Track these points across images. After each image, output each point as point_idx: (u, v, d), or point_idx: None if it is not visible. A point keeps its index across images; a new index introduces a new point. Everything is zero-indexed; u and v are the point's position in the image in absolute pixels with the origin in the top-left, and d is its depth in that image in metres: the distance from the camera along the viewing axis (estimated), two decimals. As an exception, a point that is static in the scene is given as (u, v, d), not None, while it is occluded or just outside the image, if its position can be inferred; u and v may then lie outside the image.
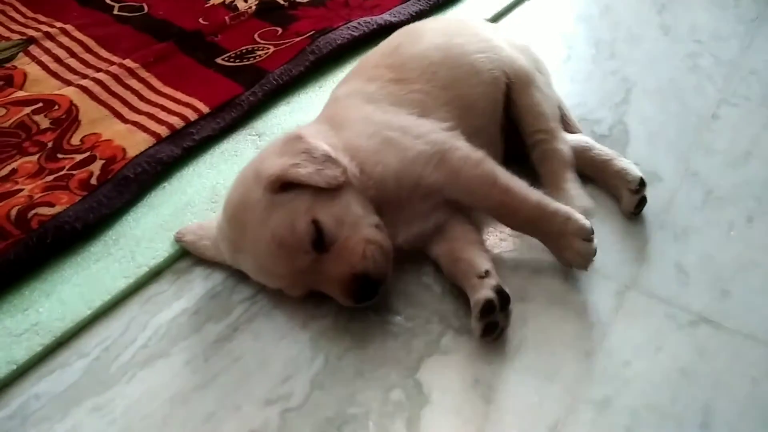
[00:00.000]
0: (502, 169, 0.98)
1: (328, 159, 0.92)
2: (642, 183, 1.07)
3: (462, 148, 0.98)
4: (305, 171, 0.90)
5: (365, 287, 0.90)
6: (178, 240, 1.08)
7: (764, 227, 1.08)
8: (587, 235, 0.94)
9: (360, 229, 0.91)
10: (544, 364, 0.90)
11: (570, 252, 0.95)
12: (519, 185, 0.97)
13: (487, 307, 0.89)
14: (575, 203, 1.02)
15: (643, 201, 1.08)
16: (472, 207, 1.01)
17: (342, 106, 1.06)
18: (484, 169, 0.97)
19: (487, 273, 0.93)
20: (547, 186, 1.08)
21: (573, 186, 1.07)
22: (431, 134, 0.98)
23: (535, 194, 0.96)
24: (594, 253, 0.95)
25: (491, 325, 0.90)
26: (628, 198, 1.08)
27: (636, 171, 1.09)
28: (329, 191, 0.91)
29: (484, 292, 0.90)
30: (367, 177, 0.96)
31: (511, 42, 1.20)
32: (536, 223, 0.96)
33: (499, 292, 0.91)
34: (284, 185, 0.90)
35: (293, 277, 0.92)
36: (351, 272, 0.89)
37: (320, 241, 0.89)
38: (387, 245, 0.93)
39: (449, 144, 0.98)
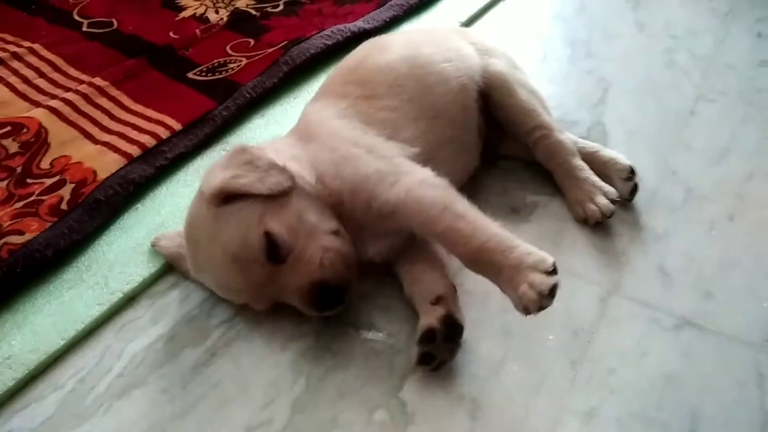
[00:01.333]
0: (463, 200, 0.89)
1: (272, 167, 0.90)
2: (632, 171, 1.09)
3: (422, 172, 0.94)
4: (246, 180, 0.88)
5: (326, 296, 0.88)
6: (153, 245, 1.08)
7: (746, 225, 1.08)
8: (547, 268, 0.80)
9: (316, 237, 0.89)
10: (529, 376, 0.88)
11: (523, 287, 0.79)
12: (477, 215, 0.87)
13: (427, 336, 0.87)
14: (608, 189, 1.07)
15: (635, 187, 1.09)
16: (422, 233, 0.91)
17: (312, 120, 1.05)
18: (440, 192, 0.90)
19: (438, 299, 0.90)
20: (561, 180, 1.12)
21: (588, 174, 1.09)
22: (395, 158, 0.96)
23: (494, 227, 0.85)
24: (552, 289, 0.78)
25: (427, 356, 0.87)
26: (622, 185, 1.09)
27: (624, 160, 1.11)
28: (280, 200, 0.89)
29: (429, 319, 0.88)
30: (326, 188, 0.94)
31: (481, 45, 1.19)
32: (491, 255, 0.83)
33: (448, 322, 0.88)
34: (228, 198, 0.88)
35: (253, 291, 0.90)
36: (309, 282, 0.87)
37: (274, 252, 0.87)
38: (346, 251, 0.91)
39: (410, 167, 0.95)
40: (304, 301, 0.89)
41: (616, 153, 1.13)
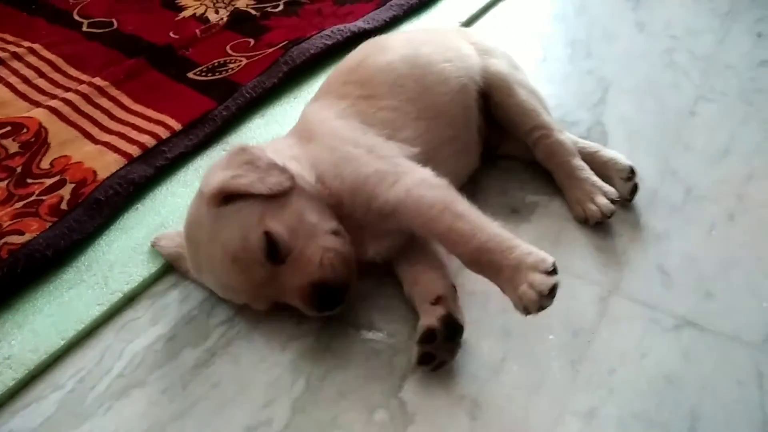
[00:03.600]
0: (463, 200, 0.89)
1: (272, 167, 0.90)
2: (632, 171, 1.09)
3: (422, 172, 0.94)
4: (246, 180, 0.88)
5: (326, 296, 0.88)
6: (153, 245, 1.08)
7: (745, 225, 1.08)
8: (547, 267, 0.79)
9: (315, 237, 0.89)
10: (529, 376, 0.88)
11: (523, 287, 0.79)
12: (477, 215, 0.87)
13: (427, 336, 0.87)
14: (607, 188, 1.07)
15: (635, 187, 1.09)
16: (422, 233, 0.92)
17: (312, 120, 1.05)
18: (440, 192, 0.90)
19: (438, 299, 0.90)
20: (561, 180, 1.12)
21: (588, 174, 1.09)
22: (395, 158, 0.96)
23: (493, 226, 0.85)
24: (551, 289, 0.78)
25: (427, 356, 0.87)
26: (622, 186, 1.09)
27: (625, 160, 1.11)
28: (280, 200, 0.89)
29: (429, 319, 0.88)
30: (326, 188, 0.94)
31: (481, 45, 1.19)
32: (490, 255, 0.83)
33: (448, 322, 0.88)
34: (228, 198, 0.88)
35: (253, 291, 0.90)
36: (309, 281, 0.87)
37: (274, 252, 0.87)
38: (347, 251, 0.91)
39: (410, 167, 0.95)
40: (304, 301, 0.89)
41: (616, 153, 1.13)
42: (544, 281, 0.78)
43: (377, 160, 0.95)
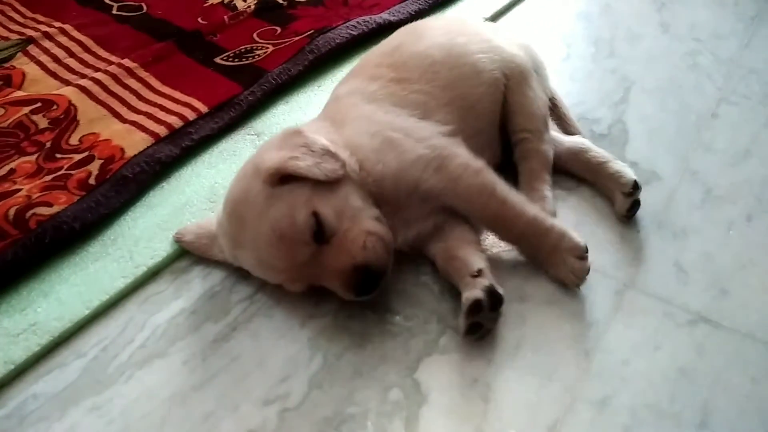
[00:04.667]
0: (501, 181, 0.97)
1: (327, 153, 0.92)
2: (635, 186, 1.06)
3: (462, 155, 0.98)
4: (304, 164, 0.90)
5: (366, 279, 0.90)
6: (177, 240, 1.08)
7: (763, 226, 1.08)
8: (581, 253, 0.95)
9: (360, 220, 0.91)
10: (542, 363, 0.90)
11: (562, 269, 0.96)
12: (517, 198, 0.97)
13: (475, 307, 0.89)
14: (546, 206, 1.05)
15: (636, 204, 1.07)
16: (468, 215, 1.00)
17: (344, 104, 1.06)
18: (483, 178, 0.97)
19: (479, 272, 0.93)
20: (522, 183, 1.10)
21: (546, 187, 1.10)
22: (432, 139, 0.98)
23: (532, 209, 0.97)
24: (587, 271, 0.95)
25: (475, 325, 0.90)
26: (621, 201, 1.08)
27: (630, 174, 1.08)
28: (328, 184, 0.91)
29: (475, 291, 0.90)
30: (367, 174, 0.96)
31: (512, 41, 1.19)
32: (531, 238, 0.97)
33: (491, 292, 0.90)
34: (283, 178, 0.90)
35: (294, 271, 0.91)
36: (352, 263, 0.88)
37: (320, 232, 0.88)
38: (388, 237, 0.93)
39: (449, 150, 0.98)
40: (344, 283, 0.90)
41: (624, 166, 1.10)
42: (582, 267, 0.95)
43: (416, 143, 0.97)
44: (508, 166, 1.15)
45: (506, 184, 0.98)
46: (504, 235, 0.99)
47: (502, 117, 1.15)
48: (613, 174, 1.10)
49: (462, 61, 1.10)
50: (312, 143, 0.92)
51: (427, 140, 0.98)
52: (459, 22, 1.28)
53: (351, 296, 0.91)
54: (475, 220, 1.01)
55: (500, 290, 0.92)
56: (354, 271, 0.89)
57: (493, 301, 0.91)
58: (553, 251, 0.96)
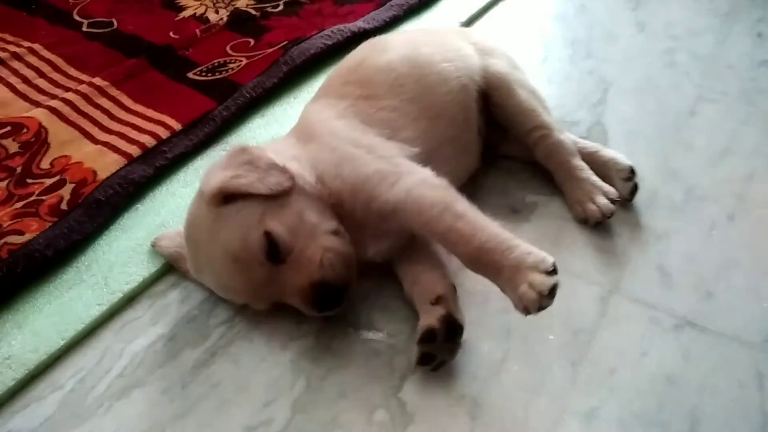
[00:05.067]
0: (463, 200, 0.89)
1: (272, 167, 0.90)
2: (632, 170, 1.09)
3: (423, 172, 0.94)
4: (246, 180, 0.88)
5: (327, 296, 0.88)
6: (153, 245, 1.08)
7: (746, 225, 1.08)
8: (547, 267, 0.80)
9: (316, 237, 0.89)
10: (529, 376, 0.88)
11: (523, 287, 0.79)
12: (478, 215, 0.87)
13: (427, 336, 0.87)
14: (605, 189, 1.07)
15: (635, 187, 1.09)
16: (423, 233, 0.91)
17: (312, 120, 1.05)
18: (440, 192, 0.90)
19: (438, 299, 0.90)
20: (561, 181, 1.12)
21: (589, 173, 1.09)
22: (395, 158, 0.96)
23: (494, 226, 0.85)
24: (550, 289, 0.78)
25: (427, 356, 0.87)
26: (622, 185, 1.09)
27: (625, 159, 1.11)
28: (280, 200, 0.89)
29: (429, 319, 0.88)
30: (324, 188, 0.94)
31: (481, 45, 1.19)
32: (491, 255, 0.83)
33: (448, 322, 0.87)
34: (228, 198, 0.88)
35: (254, 292, 0.90)
36: (309, 282, 0.87)
37: (275, 252, 0.87)
38: (347, 251, 0.91)
39: (411, 167, 0.95)
40: (304, 301, 0.89)
41: (616, 153, 1.13)
42: (544, 281, 0.78)
43: (377, 160, 0.95)
44: (491, 170, 1.15)
45: (470, 204, 0.88)
46: (461, 251, 0.85)
47: (505, 124, 1.15)
48: (608, 161, 1.12)
49: (427, 71, 1.08)
50: (256, 158, 0.91)
51: (389, 158, 0.96)
52: (423, 33, 1.28)
53: (314, 313, 0.90)
54: (429, 237, 0.93)
55: (460, 319, 0.89)
56: (312, 289, 0.87)
57: (450, 330, 0.87)
58: (515, 270, 0.80)
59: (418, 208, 0.88)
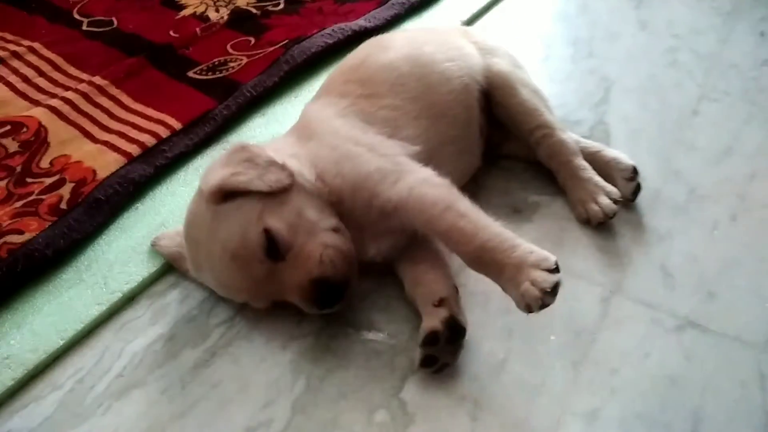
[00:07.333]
0: (465, 199, 0.89)
1: (272, 164, 0.90)
2: (635, 170, 1.08)
3: (424, 171, 0.94)
4: (245, 177, 0.88)
5: (327, 292, 0.88)
6: (153, 245, 1.07)
7: (748, 225, 1.07)
8: (549, 266, 0.80)
9: (315, 234, 0.88)
10: (530, 376, 0.88)
11: (525, 284, 0.79)
12: (479, 214, 0.87)
13: (430, 339, 0.86)
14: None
15: (638, 187, 1.09)
16: (424, 231, 0.91)
17: (313, 119, 1.04)
18: (442, 191, 0.90)
19: (441, 301, 0.89)
20: (563, 180, 1.11)
21: (592, 173, 1.09)
22: (396, 156, 0.96)
23: (496, 225, 0.85)
24: (552, 287, 0.78)
25: (430, 358, 0.87)
26: (625, 186, 1.08)
27: (627, 159, 1.10)
28: (279, 198, 0.89)
29: (433, 322, 0.87)
30: (325, 185, 0.94)
31: (483, 44, 1.18)
32: (493, 253, 0.83)
33: (451, 324, 0.87)
34: (227, 195, 0.88)
35: (253, 289, 0.90)
36: (309, 278, 0.86)
37: (274, 249, 0.86)
38: (347, 248, 0.90)
39: (412, 166, 0.95)
40: (304, 298, 0.88)
41: (619, 153, 1.12)
42: (546, 278, 0.79)
43: (378, 158, 0.94)
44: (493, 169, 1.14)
45: (471, 203, 0.88)
46: (463, 249, 0.85)
47: (507, 124, 1.15)
48: (611, 161, 1.11)
49: (429, 70, 1.08)
50: (256, 156, 0.91)
51: (390, 156, 0.95)
52: (424, 32, 1.27)
53: (314, 310, 0.90)
54: (431, 235, 0.92)
55: (463, 321, 0.89)
56: (312, 286, 0.86)
57: (453, 333, 0.87)
58: (517, 269, 0.81)
59: (419, 206, 0.88)
